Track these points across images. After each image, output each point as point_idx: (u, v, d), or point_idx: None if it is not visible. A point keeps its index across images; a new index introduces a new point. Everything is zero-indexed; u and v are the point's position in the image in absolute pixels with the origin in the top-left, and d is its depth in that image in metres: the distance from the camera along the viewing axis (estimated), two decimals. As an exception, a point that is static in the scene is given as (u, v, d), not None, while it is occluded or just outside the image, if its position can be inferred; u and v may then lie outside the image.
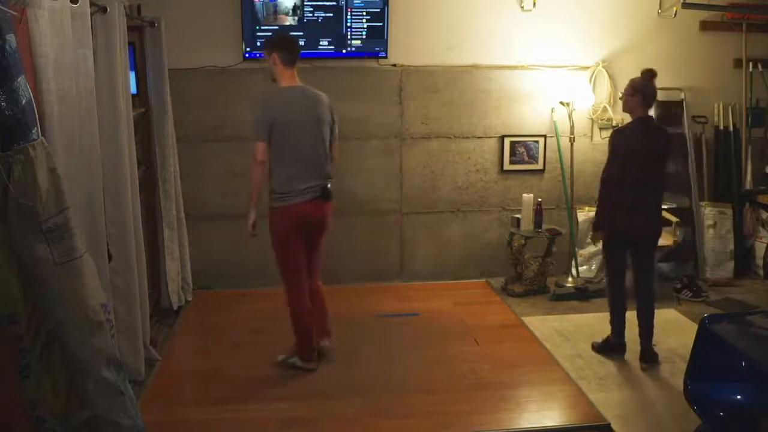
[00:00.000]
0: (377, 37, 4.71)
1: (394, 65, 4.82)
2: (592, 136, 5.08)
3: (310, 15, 4.62)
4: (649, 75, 3.60)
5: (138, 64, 4.11)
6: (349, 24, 4.66)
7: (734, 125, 5.19)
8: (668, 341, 3.88)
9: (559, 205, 5.11)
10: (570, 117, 4.90)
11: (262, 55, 3.48)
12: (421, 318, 4.32)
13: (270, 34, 4.58)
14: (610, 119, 4.99)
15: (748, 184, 5.18)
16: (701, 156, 5.20)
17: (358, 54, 4.73)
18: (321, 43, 4.68)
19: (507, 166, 5.05)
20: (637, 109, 3.56)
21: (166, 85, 4.19)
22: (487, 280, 5.07)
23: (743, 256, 5.20)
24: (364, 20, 4.66)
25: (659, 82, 5.19)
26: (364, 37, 4.70)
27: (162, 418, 2.99)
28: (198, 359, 3.75)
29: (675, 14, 4.84)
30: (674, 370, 3.53)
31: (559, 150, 4.99)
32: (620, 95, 4.00)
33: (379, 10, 4.66)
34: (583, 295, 4.71)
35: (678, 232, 4.78)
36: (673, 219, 4.69)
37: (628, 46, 4.97)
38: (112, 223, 3.21)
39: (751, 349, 2.37)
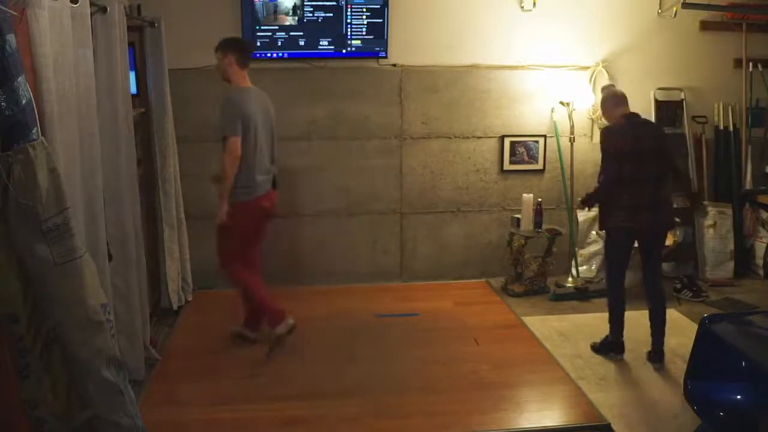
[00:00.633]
0: (377, 36, 4.71)
1: (394, 65, 4.83)
2: (592, 136, 5.07)
3: (310, 15, 4.62)
4: (606, 87, 4.07)
5: (138, 64, 4.11)
6: (349, 20, 4.66)
7: (734, 125, 5.19)
8: (668, 341, 3.86)
9: (559, 205, 5.11)
10: (570, 117, 4.90)
11: (236, 55, 3.65)
12: (421, 318, 4.32)
13: (270, 33, 4.60)
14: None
15: (748, 184, 5.18)
16: (701, 156, 5.20)
17: (358, 54, 4.74)
18: (321, 43, 4.68)
19: (507, 166, 5.05)
20: (609, 115, 3.73)
21: (166, 85, 4.19)
22: (487, 280, 5.07)
23: (743, 256, 5.20)
24: (364, 17, 4.66)
25: (659, 82, 5.22)
26: (364, 36, 4.70)
27: (162, 418, 2.99)
28: (198, 359, 3.75)
29: (675, 14, 4.85)
30: (674, 370, 3.53)
31: (559, 150, 4.99)
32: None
33: (378, 7, 4.66)
34: (583, 295, 4.71)
35: (678, 232, 4.78)
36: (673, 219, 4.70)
37: (628, 46, 4.98)
38: (112, 223, 3.21)
39: (751, 349, 2.37)
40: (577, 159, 4.99)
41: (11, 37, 1.89)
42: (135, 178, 3.54)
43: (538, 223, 4.76)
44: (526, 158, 5.06)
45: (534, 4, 4.80)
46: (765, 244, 5.07)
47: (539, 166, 5.07)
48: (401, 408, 3.18)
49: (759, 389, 2.18)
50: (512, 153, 5.03)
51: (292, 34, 4.64)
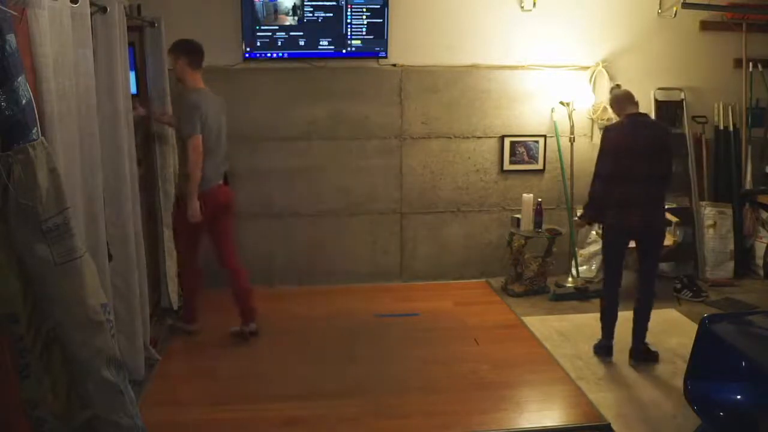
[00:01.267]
0: (377, 36, 4.71)
1: (394, 65, 4.83)
2: (592, 136, 5.07)
3: (310, 15, 4.62)
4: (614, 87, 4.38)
5: (138, 64, 4.11)
6: (349, 20, 4.66)
7: (734, 125, 5.19)
8: (668, 341, 3.87)
9: (559, 205, 5.11)
10: (570, 117, 4.90)
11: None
12: (421, 318, 4.32)
13: (270, 33, 4.60)
14: (610, 119, 4.98)
15: (748, 184, 5.18)
16: (701, 156, 5.20)
17: (358, 54, 4.74)
18: (321, 43, 4.68)
19: (507, 166, 5.05)
20: (618, 114, 3.74)
21: (166, 85, 4.19)
22: (487, 280, 5.07)
23: (743, 256, 5.20)
24: (364, 17, 4.66)
25: (659, 82, 5.22)
26: (364, 36, 4.70)
27: (162, 418, 2.99)
28: (198, 359, 3.75)
29: (675, 14, 4.85)
30: (674, 370, 3.53)
31: (559, 150, 4.99)
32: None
33: (378, 7, 4.66)
34: (583, 295, 4.71)
35: (678, 232, 4.78)
36: (673, 219, 4.69)
37: (628, 46, 4.98)
38: (112, 223, 3.21)
39: (751, 349, 2.37)
40: (577, 159, 4.99)
41: (11, 37, 1.89)
42: (135, 178, 3.54)
43: (538, 223, 4.77)
44: (526, 158, 5.06)
45: (534, 4, 4.80)
46: (765, 244, 5.07)
47: (539, 166, 5.07)
48: (401, 408, 3.18)
49: (759, 389, 2.18)
50: (512, 153, 5.03)
51: (292, 34, 4.64)
